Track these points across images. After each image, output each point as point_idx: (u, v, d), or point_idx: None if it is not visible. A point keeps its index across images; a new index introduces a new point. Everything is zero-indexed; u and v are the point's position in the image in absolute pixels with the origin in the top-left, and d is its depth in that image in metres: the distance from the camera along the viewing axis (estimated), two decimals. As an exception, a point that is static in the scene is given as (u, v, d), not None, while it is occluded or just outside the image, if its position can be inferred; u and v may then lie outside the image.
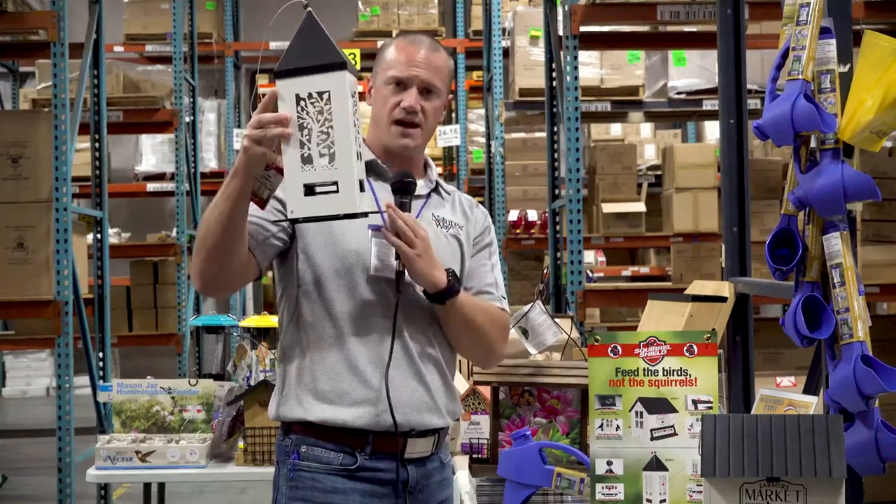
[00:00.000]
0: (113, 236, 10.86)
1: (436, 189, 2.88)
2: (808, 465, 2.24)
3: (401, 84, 2.77)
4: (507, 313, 2.88)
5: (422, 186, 2.83)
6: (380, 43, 12.76)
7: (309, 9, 2.58)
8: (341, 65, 2.47)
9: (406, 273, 2.68)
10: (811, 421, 2.29)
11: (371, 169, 2.72)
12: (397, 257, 2.67)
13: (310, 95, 2.46)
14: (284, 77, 2.51)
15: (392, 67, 2.79)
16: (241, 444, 4.31)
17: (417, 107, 2.76)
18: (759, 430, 2.29)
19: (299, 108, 2.46)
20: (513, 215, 9.82)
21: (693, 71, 8.43)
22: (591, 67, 8.42)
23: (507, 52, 9.94)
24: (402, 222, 2.64)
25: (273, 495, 2.79)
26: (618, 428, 2.56)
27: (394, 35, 12.66)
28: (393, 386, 2.67)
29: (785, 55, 2.59)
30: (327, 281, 2.70)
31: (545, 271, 7.96)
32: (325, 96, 2.46)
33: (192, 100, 10.95)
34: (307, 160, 2.45)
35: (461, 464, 3.63)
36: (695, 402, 2.61)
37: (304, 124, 2.46)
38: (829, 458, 2.24)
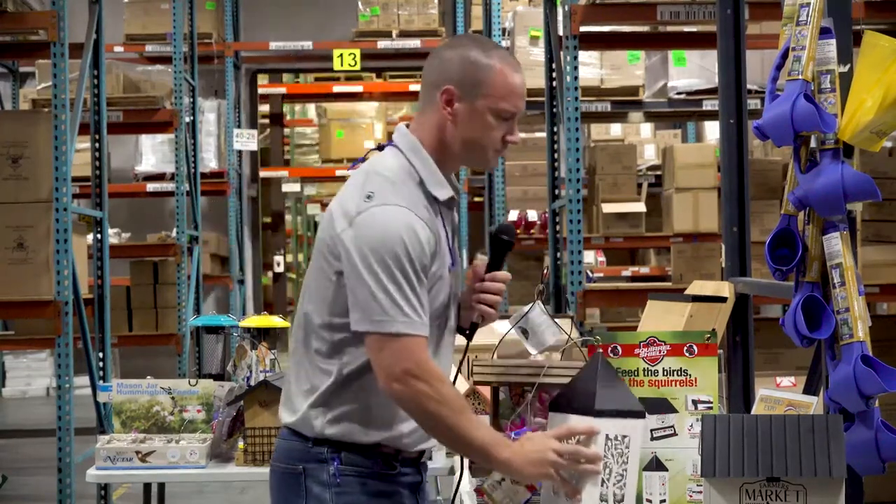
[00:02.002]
0: (113, 236, 10.85)
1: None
2: (808, 465, 2.24)
3: (507, 116, 2.69)
4: None
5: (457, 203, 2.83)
6: (380, 43, 12.87)
7: (599, 351, 2.65)
8: (642, 413, 2.56)
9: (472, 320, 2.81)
10: (811, 421, 2.29)
11: (445, 205, 2.71)
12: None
13: (616, 437, 2.54)
14: (602, 416, 2.55)
15: (506, 99, 2.67)
16: (241, 444, 4.31)
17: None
18: (759, 431, 2.29)
19: (606, 448, 2.54)
20: (513, 215, 9.83)
21: (693, 71, 8.43)
22: (591, 67, 8.41)
23: (507, 52, 9.93)
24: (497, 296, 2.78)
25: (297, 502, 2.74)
26: (618, 428, 2.56)
27: (394, 34, 12.70)
28: None
29: (785, 55, 2.60)
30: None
31: (545, 271, 7.97)
32: (626, 440, 2.54)
33: (192, 100, 10.95)
34: (604, 499, 2.54)
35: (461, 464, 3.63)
36: (695, 402, 2.61)
37: (607, 464, 2.54)
38: (829, 458, 2.24)
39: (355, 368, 2.64)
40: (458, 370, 2.89)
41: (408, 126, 2.76)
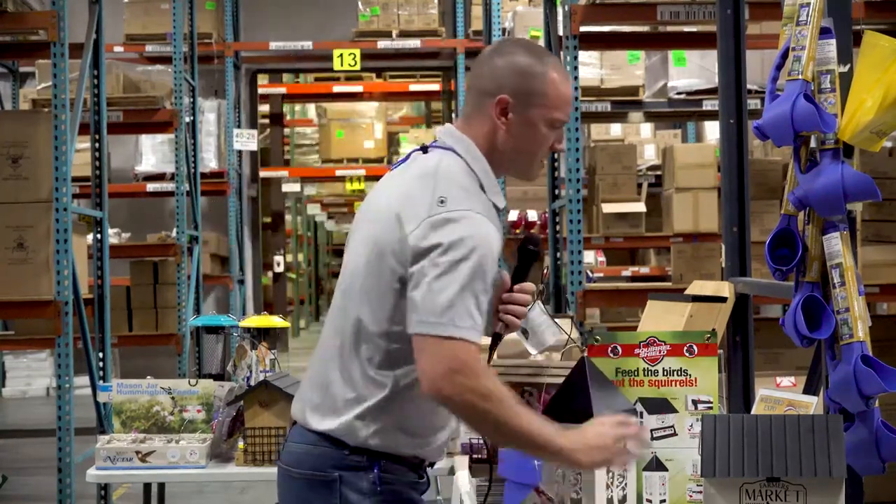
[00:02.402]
0: (113, 236, 10.86)
1: None
2: (808, 465, 2.24)
3: (558, 126, 2.68)
4: None
5: None
6: (380, 43, 12.85)
7: (584, 355, 2.66)
8: (634, 411, 2.59)
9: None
10: (811, 421, 2.29)
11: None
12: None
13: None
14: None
15: (560, 109, 2.65)
16: (241, 444, 4.30)
17: None
18: (758, 430, 2.29)
19: None
20: (513, 215, 9.83)
21: (693, 71, 8.43)
22: (591, 67, 8.41)
23: (507, 53, 9.92)
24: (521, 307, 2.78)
25: None
26: (618, 428, 2.56)
27: (394, 34, 12.70)
28: None
29: (785, 55, 2.60)
30: None
31: (545, 271, 7.96)
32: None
33: (192, 100, 10.95)
34: (607, 500, 2.56)
35: (461, 464, 3.63)
36: (695, 402, 2.61)
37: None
38: (829, 457, 2.24)
39: (410, 382, 2.57)
40: None
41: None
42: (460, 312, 2.45)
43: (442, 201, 2.52)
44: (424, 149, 2.70)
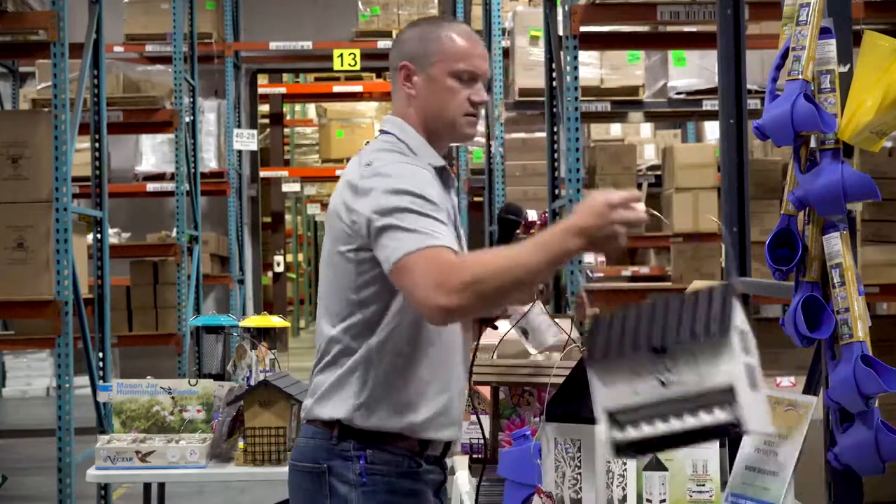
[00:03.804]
0: (113, 236, 10.85)
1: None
2: (695, 330, 2.12)
3: (467, 78, 2.72)
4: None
5: (453, 180, 2.83)
6: (380, 43, 12.87)
7: (583, 356, 2.56)
8: None
9: None
10: (696, 295, 2.19)
11: (442, 179, 2.71)
12: None
13: None
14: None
15: (461, 60, 2.71)
16: (240, 444, 4.31)
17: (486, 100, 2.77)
18: (642, 312, 2.19)
19: (606, 451, 2.47)
20: (513, 215, 9.81)
21: (693, 71, 8.43)
22: (591, 67, 8.41)
23: (507, 52, 9.94)
24: None
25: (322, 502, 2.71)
26: (618, 428, 2.55)
27: (394, 34, 12.68)
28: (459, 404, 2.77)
29: (785, 55, 2.60)
30: None
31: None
32: None
33: (192, 100, 10.95)
34: (607, 500, 2.50)
35: (461, 464, 3.63)
36: (695, 402, 2.61)
37: (609, 467, 2.57)
38: (718, 320, 2.11)
39: (382, 340, 2.63)
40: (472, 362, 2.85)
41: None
42: (421, 227, 2.49)
43: (368, 164, 2.63)
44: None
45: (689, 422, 2.09)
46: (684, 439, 2.12)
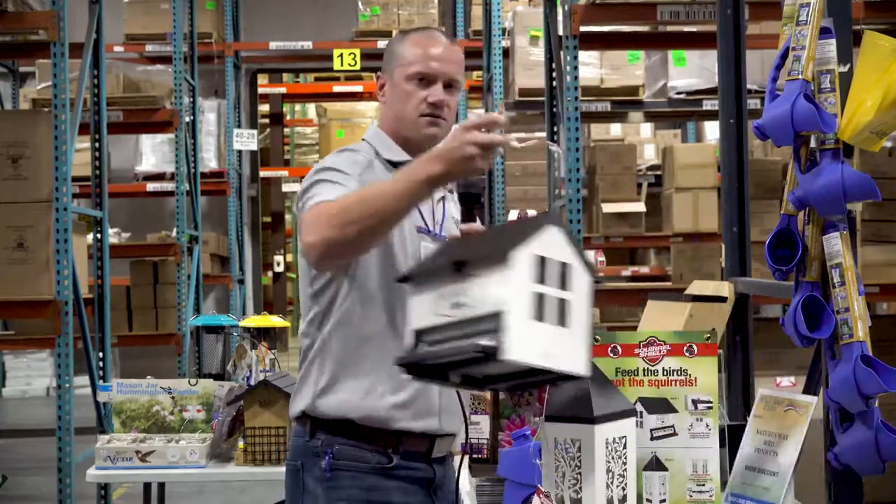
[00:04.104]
0: (113, 236, 10.86)
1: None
2: (490, 252, 2.13)
3: (424, 79, 2.78)
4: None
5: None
6: (380, 43, 12.86)
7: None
8: (634, 411, 2.51)
9: None
10: (524, 220, 2.21)
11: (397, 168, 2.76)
12: None
13: (615, 440, 2.46)
14: (602, 422, 2.50)
15: (413, 64, 2.79)
16: (240, 444, 4.31)
17: (444, 101, 2.79)
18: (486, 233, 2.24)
19: (606, 452, 2.45)
20: (513, 215, 9.80)
21: (693, 71, 8.43)
22: (591, 67, 8.41)
23: (506, 52, 9.94)
24: None
25: (296, 501, 2.75)
26: (618, 428, 2.56)
27: (394, 34, 12.63)
28: (440, 394, 2.78)
29: (785, 55, 2.60)
30: (387, 290, 2.71)
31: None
32: (624, 441, 2.48)
33: (192, 100, 10.94)
34: (608, 500, 2.47)
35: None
36: (695, 402, 2.61)
37: (609, 467, 2.49)
38: (511, 243, 2.10)
39: (329, 333, 2.72)
40: None
41: None
42: (323, 192, 2.61)
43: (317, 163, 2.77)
44: None
45: (462, 345, 2.10)
46: (484, 381, 2.21)
